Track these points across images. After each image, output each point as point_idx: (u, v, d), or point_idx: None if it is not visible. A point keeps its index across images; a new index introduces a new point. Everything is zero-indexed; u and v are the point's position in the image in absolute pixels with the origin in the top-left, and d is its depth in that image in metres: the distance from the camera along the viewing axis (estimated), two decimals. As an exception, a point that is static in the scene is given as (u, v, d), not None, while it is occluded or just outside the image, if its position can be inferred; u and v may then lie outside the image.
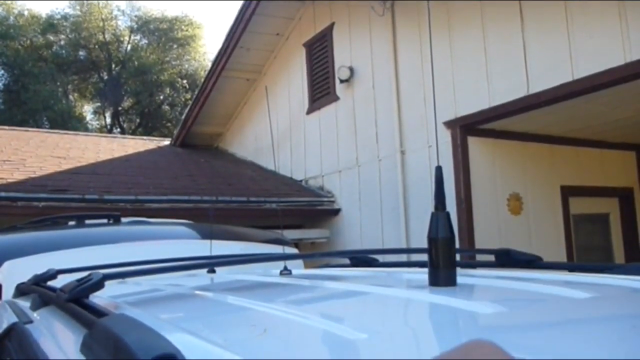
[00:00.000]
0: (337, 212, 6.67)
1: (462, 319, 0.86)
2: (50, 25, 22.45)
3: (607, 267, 1.31)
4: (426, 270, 1.29)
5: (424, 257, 1.61)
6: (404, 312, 0.96)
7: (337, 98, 6.80)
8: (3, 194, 4.98)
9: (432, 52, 5.38)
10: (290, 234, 5.80)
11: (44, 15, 22.81)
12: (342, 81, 6.61)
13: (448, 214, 1.11)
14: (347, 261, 1.87)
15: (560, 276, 1.35)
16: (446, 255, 1.08)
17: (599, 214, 6.36)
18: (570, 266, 1.59)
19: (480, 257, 3.30)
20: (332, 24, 6.95)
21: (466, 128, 5.10)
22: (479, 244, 4.93)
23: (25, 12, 22.41)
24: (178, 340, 0.65)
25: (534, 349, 0.66)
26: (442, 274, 1.08)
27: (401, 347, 0.71)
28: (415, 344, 0.73)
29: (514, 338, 0.73)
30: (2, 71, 21.57)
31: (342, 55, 6.75)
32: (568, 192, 5.86)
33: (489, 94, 4.80)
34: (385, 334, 0.78)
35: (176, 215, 4.88)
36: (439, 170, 1.19)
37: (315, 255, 2.07)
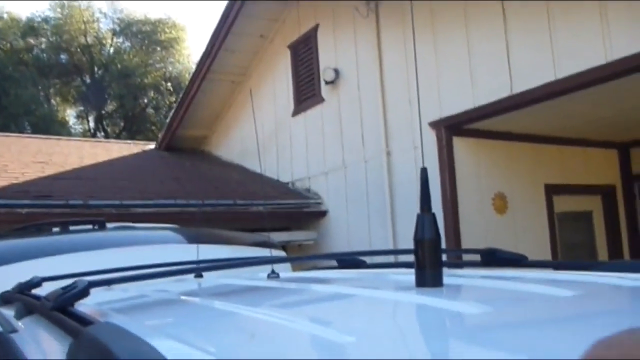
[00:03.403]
0: (324, 214, 6.67)
1: (448, 320, 0.86)
2: (30, 28, 22.18)
3: (591, 264, 1.32)
4: (413, 270, 1.30)
5: (411, 257, 1.63)
6: (391, 314, 0.96)
7: (322, 100, 6.81)
8: (-15, 200, 4.91)
9: (417, 53, 5.41)
10: (278, 236, 5.79)
11: (24, 18, 22.53)
12: (327, 83, 6.62)
13: (434, 215, 1.12)
14: (334, 263, 1.87)
15: (545, 274, 1.37)
16: (432, 256, 1.08)
17: (582, 211, 6.43)
18: (555, 264, 1.61)
19: (466, 257, 3.32)
20: (317, 26, 6.95)
21: (451, 128, 5.13)
22: (465, 244, 4.96)
23: (5, 15, 22.12)
24: (165, 347, 0.65)
25: (521, 348, 0.67)
26: (428, 275, 1.08)
27: (389, 349, 0.71)
28: (403, 345, 0.73)
29: (501, 338, 0.74)
30: (-17, 76, 21.28)
31: (327, 57, 6.75)
32: (552, 191, 5.92)
33: (473, 94, 4.84)
34: (372, 336, 0.78)
35: (162, 220, 4.84)
36: (424, 172, 1.20)
37: (303, 258, 2.07)
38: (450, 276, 1.15)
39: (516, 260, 1.44)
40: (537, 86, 4.30)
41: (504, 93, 4.56)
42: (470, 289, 1.19)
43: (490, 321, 0.82)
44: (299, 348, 0.75)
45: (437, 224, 1.12)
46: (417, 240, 1.09)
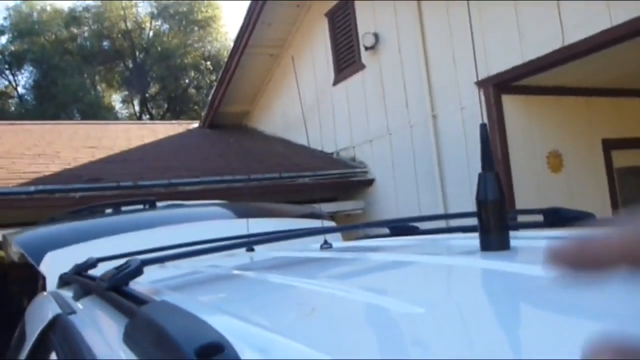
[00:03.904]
0: (370, 182, 6.60)
1: (526, 286, 0.79)
2: (72, 18, 22.70)
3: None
4: (471, 235, 1.22)
5: (463, 222, 1.54)
6: (460, 281, 0.90)
7: (363, 66, 6.67)
8: (41, 186, 5.07)
9: (459, 9, 5.19)
10: (325, 207, 5.75)
11: (66, 9, 23.06)
12: (367, 48, 6.47)
13: (497, 174, 1.04)
14: (386, 231, 1.81)
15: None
16: (497, 217, 1.01)
17: (645, 166, 6.11)
18: (627, 221, 1.49)
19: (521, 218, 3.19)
20: (353, -9, 6.78)
21: (499, 86, 4.95)
22: (519, 205, 4.80)
23: (48, 7, 22.68)
24: (222, 325, 0.61)
25: (613, 312, 0.60)
26: (494, 238, 1.01)
27: (463, 319, 0.65)
28: (480, 316, 0.66)
29: (589, 304, 0.67)
30: (31, 67, 21.98)
31: (366, 22, 6.59)
32: (610, 146, 5.65)
33: (522, 48, 4.62)
34: (444, 306, 0.72)
35: (210, 196, 4.88)
36: (483, 128, 1.12)
37: (356, 226, 2.02)
38: (514, 239, 1.07)
39: (582, 219, 1.34)
40: (590, 35, 4.06)
41: (555, 45, 4.33)
42: (540, 251, 1.10)
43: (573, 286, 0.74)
44: (365, 321, 0.69)
45: (501, 183, 1.04)
46: (480, 200, 1.02)
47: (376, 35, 6.36)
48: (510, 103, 5.05)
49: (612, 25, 3.89)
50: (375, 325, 0.66)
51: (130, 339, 0.69)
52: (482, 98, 4.98)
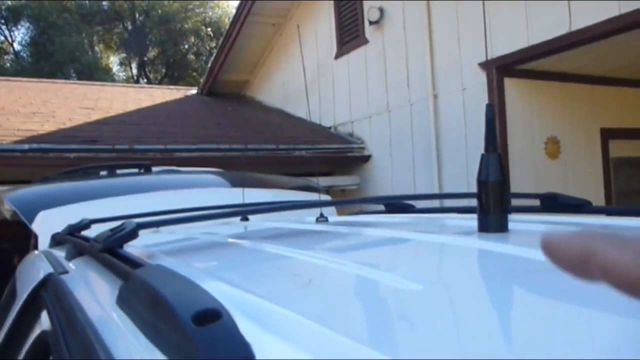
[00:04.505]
0: (367, 158, 6.59)
1: (523, 267, 0.79)
2: (72, -26, 22.21)
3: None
4: (468, 216, 1.22)
5: (459, 203, 1.54)
6: (457, 261, 0.89)
7: (366, 41, 6.59)
8: (35, 145, 5.03)
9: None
10: (321, 181, 5.76)
11: (65, -35, 22.52)
12: (371, 23, 6.39)
13: (499, 156, 1.03)
14: (381, 208, 1.80)
15: (616, 221, 1.26)
16: (497, 199, 1.00)
17: (640, 157, 6.12)
18: (622, 210, 1.49)
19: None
20: (360, -37, 6.66)
21: (502, 69, 4.91)
22: (514, 189, 4.81)
23: (47, -38, 22.15)
24: (218, 292, 0.60)
25: (605, 294, 0.59)
26: (492, 220, 1.01)
27: (462, 298, 0.65)
28: (477, 294, 0.66)
29: (585, 287, 0.66)
30: (28, 24, 21.60)
31: (371, -5, 6.49)
32: (608, 135, 5.64)
33: (528, 32, 4.57)
34: (441, 284, 0.71)
35: (206, 164, 4.86)
36: (490, 108, 1.11)
37: (352, 201, 2.00)
38: (512, 222, 1.07)
39: (579, 206, 1.34)
40: (598, 22, 4.01)
41: (561, 30, 4.28)
42: (538, 234, 1.10)
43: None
44: (362, 296, 0.69)
45: (503, 165, 1.03)
46: (481, 181, 1.01)
47: (381, 10, 6.27)
48: (512, 86, 5.02)
49: (621, 13, 3.85)
50: (374, 300, 0.66)
51: (124, 301, 0.68)
52: (485, 80, 4.94)
